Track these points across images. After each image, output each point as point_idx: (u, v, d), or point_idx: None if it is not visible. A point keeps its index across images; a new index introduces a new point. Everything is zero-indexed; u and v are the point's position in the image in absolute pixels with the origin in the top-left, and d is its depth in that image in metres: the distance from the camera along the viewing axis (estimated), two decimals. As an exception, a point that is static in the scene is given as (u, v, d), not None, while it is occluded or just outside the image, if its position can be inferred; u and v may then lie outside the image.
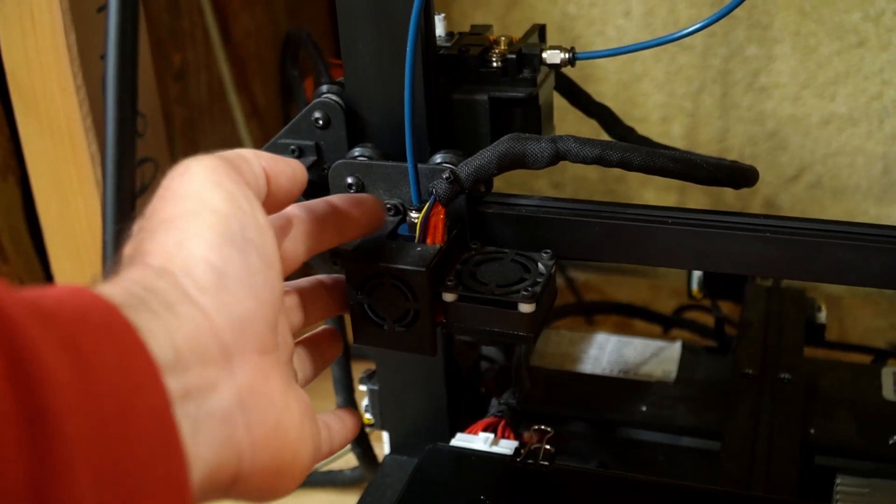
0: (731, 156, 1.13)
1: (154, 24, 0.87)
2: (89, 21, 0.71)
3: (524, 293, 0.48)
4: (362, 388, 0.65)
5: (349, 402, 0.66)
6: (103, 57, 0.72)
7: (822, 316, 0.72)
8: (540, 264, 0.50)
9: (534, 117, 0.56)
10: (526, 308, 0.48)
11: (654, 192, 1.17)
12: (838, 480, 0.63)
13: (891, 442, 0.63)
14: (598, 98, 1.13)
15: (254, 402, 0.34)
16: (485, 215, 0.52)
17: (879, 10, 1.01)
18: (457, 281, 0.49)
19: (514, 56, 0.55)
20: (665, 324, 0.92)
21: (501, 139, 0.49)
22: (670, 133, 1.14)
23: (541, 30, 0.60)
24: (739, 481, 0.57)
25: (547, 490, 0.53)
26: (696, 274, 0.75)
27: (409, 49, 0.48)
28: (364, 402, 0.65)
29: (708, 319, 0.85)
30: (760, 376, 0.65)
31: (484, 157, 0.48)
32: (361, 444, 0.68)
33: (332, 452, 0.44)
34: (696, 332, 0.88)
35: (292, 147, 0.56)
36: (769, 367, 0.66)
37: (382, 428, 0.65)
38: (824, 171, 1.10)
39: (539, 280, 0.49)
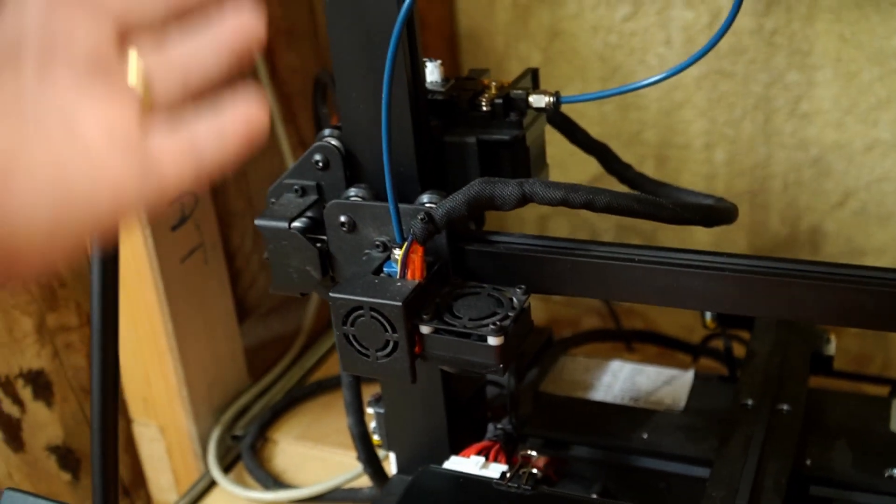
0: (775, 182, 1.13)
1: (204, 64, 0.93)
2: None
3: (492, 327, 0.51)
4: (370, 410, 0.69)
5: (359, 423, 0.69)
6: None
7: (832, 347, 0.73)
8: (514, 298, 0.53)
9: (522, 158, 0.59)
10: (494, 341, 0.51)
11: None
12: (833, 511, 0.64)
13: (886, 475, 0.64)
14: (640, 126, 1.15)
15: None
16: (465, 252, 0.56)
17: (921, 36, 1.00)
18: (433, 314, 0.53)
19: (501, 101, 0.59)
20: (693, 353, 0.93)
21: (472, 182, 0.52)
22: (713, 160, 1.15)
23: (533, 73, 0.63)
24: (723, 508, 0.59)
25: (527, 513, 0.56)
26: (709, 304, 0.77)
27: (384, 100, 0.52)
28: (372, 424, 0.69)
29: (738, 350, 0.86)
30: (758, 407, 0.66)
31: (455, 199, 0.52)
32: (373, 463, 0.71)
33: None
34: (720, 361, 0.89)
35: (296, 187, 0.61)
36: (769, 397, 0.67)
37: (389, 449, 0.69)
38: (869, 197, 1.10)
39: (510, 314, 0.52)
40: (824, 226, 1.13)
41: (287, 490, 0.82)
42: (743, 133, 1.12)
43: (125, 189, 0.30)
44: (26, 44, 0.28)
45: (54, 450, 0.91)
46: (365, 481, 0.80)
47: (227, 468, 0.87)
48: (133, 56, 0.30)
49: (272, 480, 0.83)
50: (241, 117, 0.32)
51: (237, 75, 0.33)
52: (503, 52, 1.18)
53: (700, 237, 1.12)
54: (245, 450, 0.87)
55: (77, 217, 0.29)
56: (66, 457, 0.92)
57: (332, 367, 0.97)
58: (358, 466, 0.80)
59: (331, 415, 0.90)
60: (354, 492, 0.79)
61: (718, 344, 0.92)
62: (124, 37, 0.30)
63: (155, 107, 0.31)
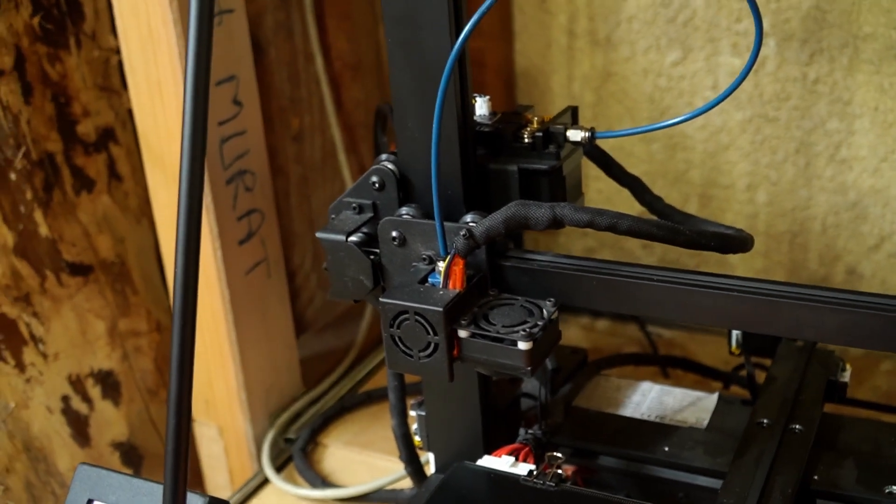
0: (814, 224, 1.18)
1: (276, 93, 1.01)
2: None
3: (523, 333, 0.57)
4: (413, 413, 0.75)
5: (402, 425, 0.76)
6: (220, 123, 0.86)
7: (846, 375, 0.78)
8: (544, 310, 0.59)
9: (559, 186, 0.65)
10: (524, 346, 0.57)
11: (740, 260, 1.22)
12: (838, 523, 0.69)
13: (887, 491, 0.68)
14: (686, 165, 1.20)
15: None
16: (503, 267, 0.62)
17: (957, 89, 1.04)
18: (471, 320, 0.59)
19: (541, 134, 0.65)
20: (724, 380, 0.98)
21: (510, 204, 0.59)
22: (755, 200, 1.19)
23: (573, 110, 0.69)
24: (732, 514, 0.64)
25: (550, 507, 0.61)
26: (735, 334, 0.82)
27: (434, 131, 0.58)
28: (414, 427, 0.75)
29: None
30: (773, 426, 0.71)
31: (494, 218, 0.58)
32: (413, 462, 0.77)
33: None
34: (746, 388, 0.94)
35: (354, 204, 0.67)
36: (784, 418, 0.72)
37: (429, 450, 0.75)
38: (905, 241, 1.13)
39: (539, 323, 0.58)
40: (860, 267, 1.17)
41: (334, 489, 0.88)
42: (784, 176, 1.17)
43: None
44: None
45: (118, 446, 0.98)
46: (406, 483, 0.86)
47: (279, 468, 0.93)
48: None
49: (321, 480, 0.90)
50: None
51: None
52: (557, 91, 1.25)
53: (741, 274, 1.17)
54: (296, 452, 0.93)
55: None
56: (129, 453, 0.99)
57: (381, 379, 1.04)
58: (400, 470, 0.86)
59: (378, 423, 0.96)
60: (396, 492, 0.85)
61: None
62: None
63: None
